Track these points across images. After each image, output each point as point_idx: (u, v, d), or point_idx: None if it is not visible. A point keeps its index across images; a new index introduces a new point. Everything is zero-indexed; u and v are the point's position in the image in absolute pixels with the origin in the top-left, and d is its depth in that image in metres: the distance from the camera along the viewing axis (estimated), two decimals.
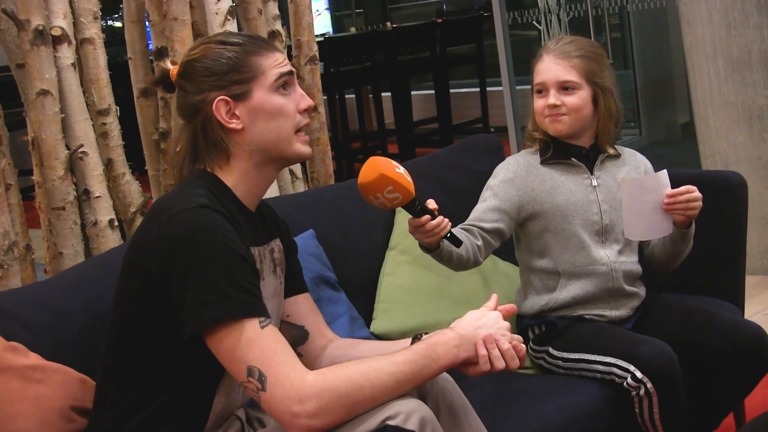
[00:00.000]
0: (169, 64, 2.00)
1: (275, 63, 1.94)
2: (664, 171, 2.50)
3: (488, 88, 7.91)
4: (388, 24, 8.99)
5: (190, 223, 1.77)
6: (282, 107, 1.93)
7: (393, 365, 1.78)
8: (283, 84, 1.94)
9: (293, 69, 1.99)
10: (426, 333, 1.96)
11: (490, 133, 6.33)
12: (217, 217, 1.80)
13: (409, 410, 1.75)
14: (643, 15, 6.51)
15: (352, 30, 9.16)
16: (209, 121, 1.91)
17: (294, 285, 2.15)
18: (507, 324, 1.93)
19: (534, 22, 6.18)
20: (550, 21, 6.27)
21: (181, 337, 1.77)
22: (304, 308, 2.16)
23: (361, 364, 1.78)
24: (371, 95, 7.95)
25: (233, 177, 1.94)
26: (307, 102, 1.98)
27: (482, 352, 1.86)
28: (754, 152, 4.31)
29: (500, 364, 1.87)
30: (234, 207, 1.90)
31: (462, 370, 1.90)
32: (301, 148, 1.97)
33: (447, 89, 7.91)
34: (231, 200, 1.91)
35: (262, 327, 1.75)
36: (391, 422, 1.73)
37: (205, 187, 1.88)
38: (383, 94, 7.69)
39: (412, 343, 1.94)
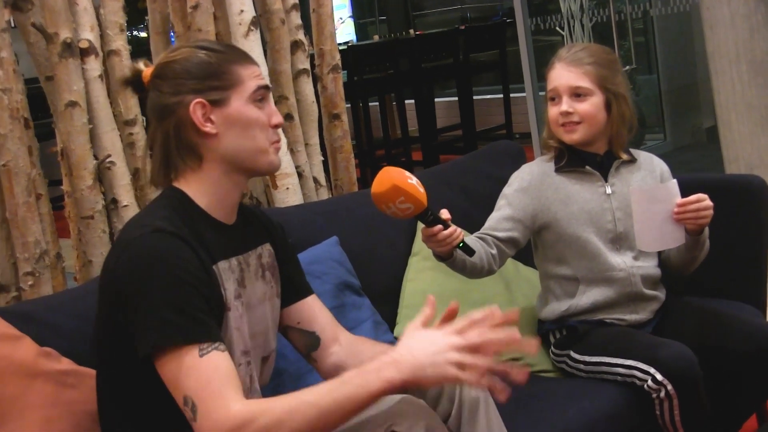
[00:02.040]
0: (142, 65, 2.00)
1: (254, 75, 1.96)
2: (674, 181, 2.51)
3: (512, 95, 7.92)
4: (411, 31, 9.02)
5: (141, 251, 1.79)
6: (257, 119, 1.94)
7: (316, 396, 1.73)
8: (260, 97, 1.96)
9: (269, 84, 2.02)
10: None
11: (514, 140, 6.35)
12: (170, 242, 1.80)
13: (415, 416, 1.77)
14: (667, 19, 6.49)
15: (376, 38, 9.20)
16: (183, 124, 1.91)
17: (297, 289, 2.16)
18: (446, 344, 1.75)
19: (557, 28, 6.19)
20: (573, 27, 6.28)
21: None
22: (313, 312, 2.15)
23: (288, 396, 1.75)
24: (395, 103, 7.98)
25: (204, 187, 1.94)
26: (278, 118, 1.99)
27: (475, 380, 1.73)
28: None
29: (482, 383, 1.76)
30: (202, 224, 1.91)
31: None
32: (273, 159, 1.98)
33: (470, 96, 7.91)
34: (199, 217, 1.92)
35: (202, 355, 1.74)
36: (397, 429, 1.75)
37: (169, 207, 1.89)
38: (407, 101, 7.72)
39: None
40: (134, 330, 1.77)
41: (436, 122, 8.06)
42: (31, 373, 2.01)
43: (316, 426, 1.70)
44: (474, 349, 1.74)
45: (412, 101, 7.77)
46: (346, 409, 1.72)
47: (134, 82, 2.01)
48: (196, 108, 1.89)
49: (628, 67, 6.56)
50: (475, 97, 8.01)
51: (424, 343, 1.74)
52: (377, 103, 7.87)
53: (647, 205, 2.47)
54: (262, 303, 2.03)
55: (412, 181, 2.10)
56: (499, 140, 3.60)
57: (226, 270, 1.93)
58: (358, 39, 10.02)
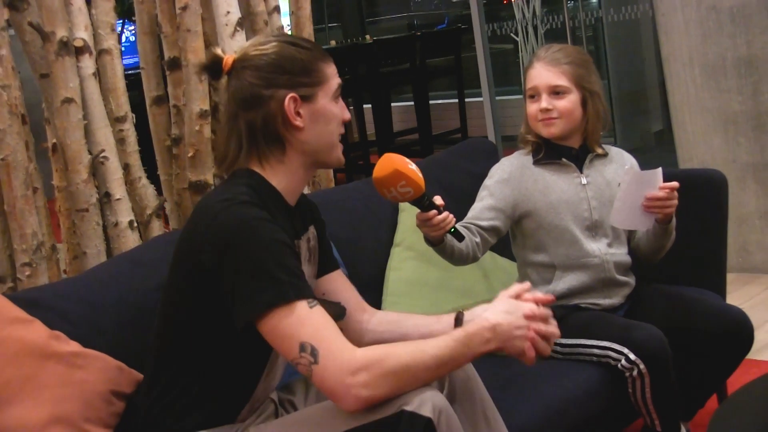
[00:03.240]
0: (221, 52, 2.06)
1: (335, 72, 2.07)
2: (659, 169, 2.65)
3: (466, 99, 8.04)
4: (368, 37, 9.12)
5: (237, 217, 1.88)
6: (337, 115, 2.06)
7: (436, 348, 1.86)
8: (339, 94, 2.07)
9: None
10: (465, 310, 2.06)
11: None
12: (258, 211, 1.90)
13: (424, 398, 1.84)
14: (618, 27, 6.63)
15: (333, 43, 9.29)
16: (273, 115, 2.00)
17: (326, 263, 2.26)
18: (524, 310, 1.99)
19: (512, 34, 6.30)
20: (527, 33, 6.40)
21: (231, 325, 1.87)
22: (338, 285, 2.26)
23: (408, 344, 1.89)
24: (353, 107, 8.08)
25: (281, 172, 2.03)
26: (347, 114, 2.10)
27: (531, 354, 1.97)
28: (729, 155, 4.48)
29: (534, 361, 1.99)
30: (274, 203, 2.00)
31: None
32: (341, 155, 2.11)
33: (427, 100, 8.03)
34: (272, 196, 2.01)
35: (311, 307, 1.85)
36: (407, 408, 1.82)
37: (246, 185, 1.98)
38: (364, 105, 7.81)
39: (456, 319, 2.08)
40: (237, 295, 1.85)
41: (392, 126, 8.16)
42: (44, 354, 2.07)
43: (431, 375, 1.87)
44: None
45: (369, 106, 7.85)
46: (456, 364, 1.92)
47: (212, 68, 2.08)
48: (290, 102, 1.99)
49: None
50: (431, 102, 8.13)
51: (512, 316, 1.96)
52: None
53: (634, 185, 2.61)
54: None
55: (412, 167, 2.22)
56: (475, 137, 3.72)
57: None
58: None
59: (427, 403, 1.83)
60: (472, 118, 8.09)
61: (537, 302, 2.02)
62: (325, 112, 2.04)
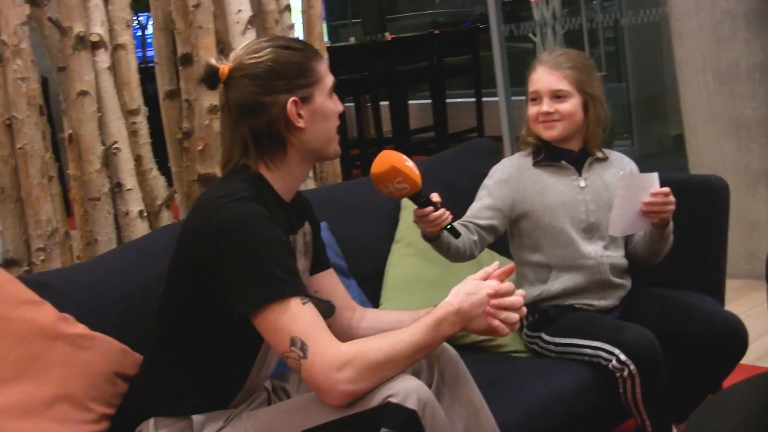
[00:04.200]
0: (215, 62, 2.11)
1: (327, 69, 2.14)
2: (656, 174, 2.69)
3: (484, 99, 8.02)
4: (387, 34, 9.15)
5: (236, 213, 1.95)
6: (333, 110, 2.13)
7: (411, 336, 1.96)
8: (333, 89, 2.14)
9: None
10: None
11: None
12: (258, 208, 1.97)
13: (409, 390, 1.90)
14: (637, 29, 6.61)
15: (352, 40, 9.34)
16: (275, 120, 2.06)
17: (319, 262, 2.33)
18: (487, 289, 2.04)
19: (530, 35, 6.32)
20: (546, 34, 6.42)
21: (225, 317, 1.95)
22: (330, 283, 2.34)
23: (385, 336, 1.98)
24: (369, 104, 8.11)
25: (281, 172, 2.10)
26: (341, 107, 2.17)
27: (496, 324, 2.03)
28: (740, 161, 4.49)
29: (506, 331, 2.05)
30: (272, 200, 2.07)
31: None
32: (338, 147, 2.18)
33: (443, 99, 8.03)
34: (269, 194, 2.08)
35: (304, 304, 1.93)
36: (392, 400, 1.88)
37: (245, 181, 2.04)
38: (381, 103, 7.83)
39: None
40: (234, 290, 1.92)
41: (409, 124, 8.18)
42: (52, 335, 2.16)
43: (409, 362, 1.97)
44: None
45: (387, 103, 7.89)
46: (430, 348, 2.01)
47: (209, 79, 2.13)
48: (291, 106, 2.06)
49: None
50: (448, 101, 8.12)
51: (473, 297, 2.03)
52: (353, 104, 7.98)
53: (630, 190, 2.66)
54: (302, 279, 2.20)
55: (408, 164, 2.28)
56: (477, 138, 3.78)
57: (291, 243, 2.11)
58: (330, 41, 10.05)
59: (413, 395, 1.90)
60: (489, 117, 8.04)
61: (500, 277, 2.08)
62: (324, 110, 2.11)
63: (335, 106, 2.15)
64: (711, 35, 4.46)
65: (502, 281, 2.08)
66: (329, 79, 2.14)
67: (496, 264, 2.13)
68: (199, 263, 1.98)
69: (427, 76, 8.10)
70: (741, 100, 4.43)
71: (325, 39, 9.60)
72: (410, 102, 8.53)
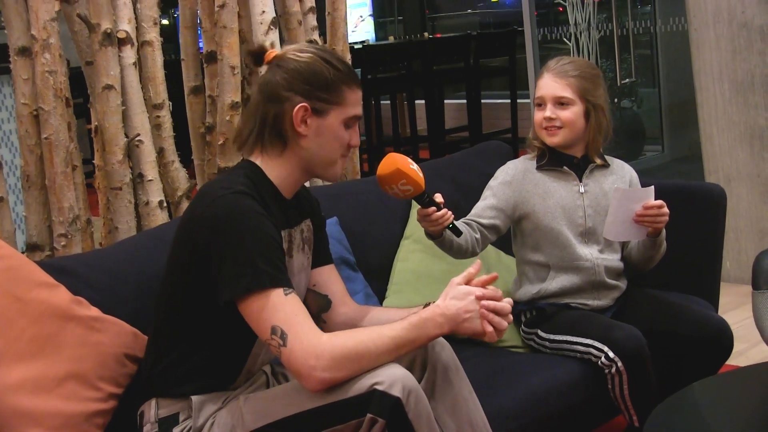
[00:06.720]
0: (269, 45, 2.22)
1: (357, 101, 2.22)
2: (652, 187, 2.78)
3: (519, 100, 8.07)
4: (425, 34, 9.21)
5: (229, 206, 2.06)
6: (341, 138, 2.21)
7: (393, 332, 2.05)
8: (352, 124, 2.23)
9: (361, 114, 2.27)
10: (433, 302, 2.19)
11: (519, 144, 6.44)
12: (251, 202, 2.08)
13: (395, 378, 1.99)
14: (671, 36, 6.64)
15: (391, 39, 9.43)
16: (283, 114, 2.17)
17: (320, 256, 2.43)
18: (476, 293, 2.13)
19: (564, 39, 6.37)
20: (580, 38, 6.46)
21: (218, 303, 2.06)
22: (328, 278, 2.44)
23: (368, 329, 2.08)
24: (406, 102, 8.18)
25: (277, 166, 2.21)
26: (357, 141, 2.26)
27: (488, 329, 2.11)
28: (754, 169, 4.57)
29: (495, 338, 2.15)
30: (269, 194, 2.18)
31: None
32: (338, 173, 2.27)
33: (479, 99, 8.07)
34: (268, 188, 2.19)
35: (286, 294, 2.03)
36: (378, 387, 1.97)
37: (245, 176, 2.16)
38: (417, 101, 7.89)
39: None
40: (221, 276, 2.03)
41: (444, 123, 8.24)
42: (65, 316, 2.27)
43: (390, 356, 2.04)
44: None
45: (423, 101, 7.96)
46: (413, 346, 2.09)
47: (256, 55, 2.26)
48: (300, 110, 2.16)
49: (628, 80, 6.74)
50: (483, 101, 8.15)
51: (461, 302, 2.11)
52: (389, 102, 8.08)
53: (624, 202, 2.75)
54: (300, 273, 2.32)
55: (413, 167, 2.39)
56: (491, 140, 3.88)
57: (286, 237, 2.23)
58: (377, 37, 10.15)
59: (398, 383, 2.00)
60: (523, 119, 8.09)
61: (483, 284, 2.16)
62: (332, 131, 2.20)
63: (348, 135, 2.23)
64: (728, 46, 4.55)
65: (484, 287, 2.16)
66: (353, 110, 2.22)
67: (478, 263, 2.21)
68: (196, 250, 2.09)
69: (463, 76, 8.15)
70: (755, 109, 4.52)
71: (372, 36, 9.81)
72: (446, 101, 8.56)
